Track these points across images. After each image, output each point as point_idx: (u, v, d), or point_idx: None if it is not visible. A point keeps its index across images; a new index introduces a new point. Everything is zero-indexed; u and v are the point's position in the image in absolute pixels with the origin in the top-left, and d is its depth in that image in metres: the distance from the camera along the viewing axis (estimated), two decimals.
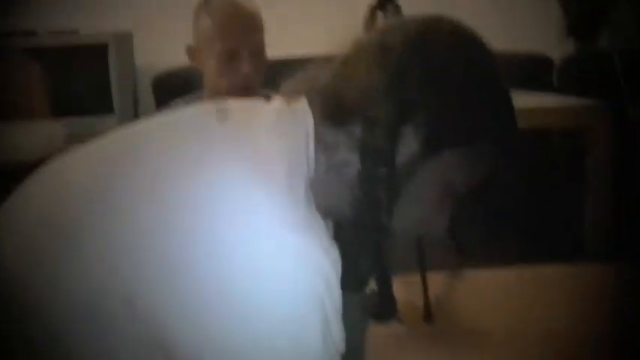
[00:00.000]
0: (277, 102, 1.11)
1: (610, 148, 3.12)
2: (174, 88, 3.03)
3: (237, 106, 1.13)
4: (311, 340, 0.94)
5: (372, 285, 1.10)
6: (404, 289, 2.72)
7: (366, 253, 1.08)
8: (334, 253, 0.99)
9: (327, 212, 1.05)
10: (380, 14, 2.56)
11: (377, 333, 2.42)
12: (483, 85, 1.08)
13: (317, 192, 1.04)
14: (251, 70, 2.37)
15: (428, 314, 2.43)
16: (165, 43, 3.43)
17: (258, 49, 2.41)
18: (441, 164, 1.08)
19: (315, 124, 1.07)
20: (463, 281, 2.79)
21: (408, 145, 1.06)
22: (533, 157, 3.72)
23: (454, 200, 1.12)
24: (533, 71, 3.77)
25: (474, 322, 2.43)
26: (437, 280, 2.68)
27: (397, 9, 2.56)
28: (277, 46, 2.56)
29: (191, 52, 2.46)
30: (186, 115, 1.12)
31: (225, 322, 0.93)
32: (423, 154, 1.06)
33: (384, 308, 1.10)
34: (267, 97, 1.16)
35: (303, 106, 1.09)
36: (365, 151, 1.06)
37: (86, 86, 3.80)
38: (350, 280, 1.06)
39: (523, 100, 3.17)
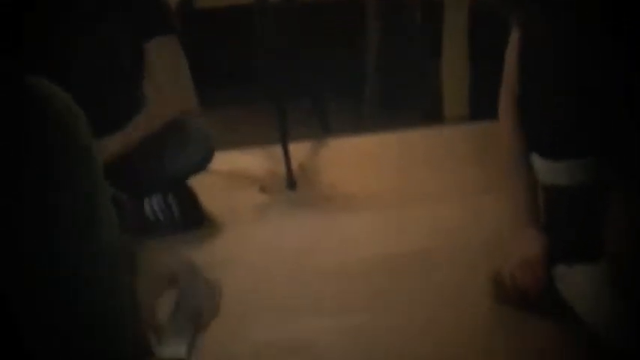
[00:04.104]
0: None
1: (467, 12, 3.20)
2: None
3: None
4: None
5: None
6: (267, 159, 2.79)
7: None
8: None
9: None
10: None
11: (241, 203, 2.49)
12: None
13: None
14: None
15: (291, 182, 2.50)
16: None
17: None
18: None
19: None
20: (326, 149, 2.87)
21: None
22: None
23: None
24: None
25: (336, 187, 2.52)
26: (300, 150, 2.75)
27: None
28: None
29: None
30: None
31: None
32: None
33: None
34: None
35: None
36: None
37: None
38: None
39: None
